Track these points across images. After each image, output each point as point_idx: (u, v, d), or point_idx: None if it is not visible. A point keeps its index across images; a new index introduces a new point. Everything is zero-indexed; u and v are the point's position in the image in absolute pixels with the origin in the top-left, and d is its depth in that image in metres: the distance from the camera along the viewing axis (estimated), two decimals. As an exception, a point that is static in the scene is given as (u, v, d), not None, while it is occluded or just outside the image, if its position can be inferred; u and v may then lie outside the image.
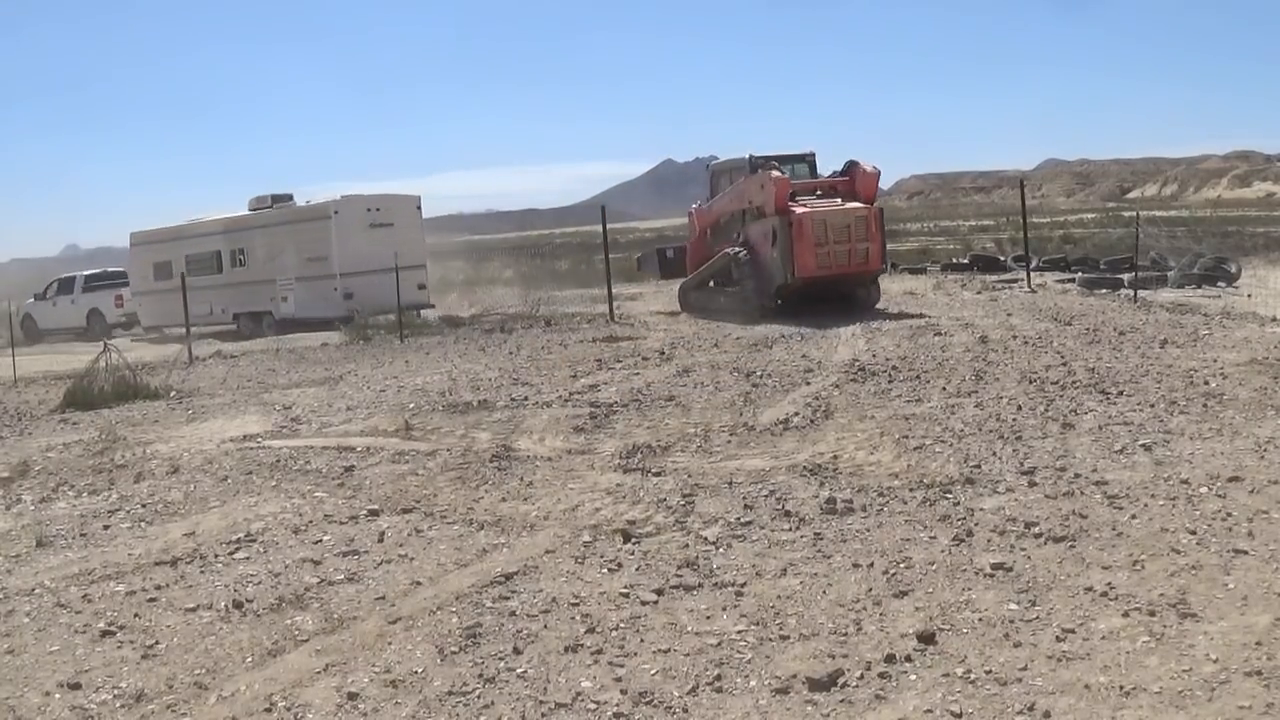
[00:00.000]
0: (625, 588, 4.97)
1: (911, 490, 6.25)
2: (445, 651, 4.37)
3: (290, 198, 25.11)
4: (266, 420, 10.24)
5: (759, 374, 10.83)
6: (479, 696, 3.97)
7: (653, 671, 4.08)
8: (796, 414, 8.63)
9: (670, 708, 3.80)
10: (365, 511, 6.55)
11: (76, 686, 4.27)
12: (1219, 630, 4.06)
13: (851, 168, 17.80)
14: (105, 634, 4.81)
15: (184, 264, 24.72)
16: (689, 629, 4.46)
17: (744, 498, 6.32)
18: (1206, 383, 8.76)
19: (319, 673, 4.25)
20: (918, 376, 10.08)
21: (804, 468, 6.93)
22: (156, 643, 4.67)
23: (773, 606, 4.63)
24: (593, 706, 3.84)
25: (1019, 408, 8.30)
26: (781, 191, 16.86)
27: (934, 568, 4.96)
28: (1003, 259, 26.53)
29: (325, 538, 6.08)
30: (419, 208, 24.64)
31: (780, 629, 4.39)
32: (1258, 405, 7.84)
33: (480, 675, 4.14)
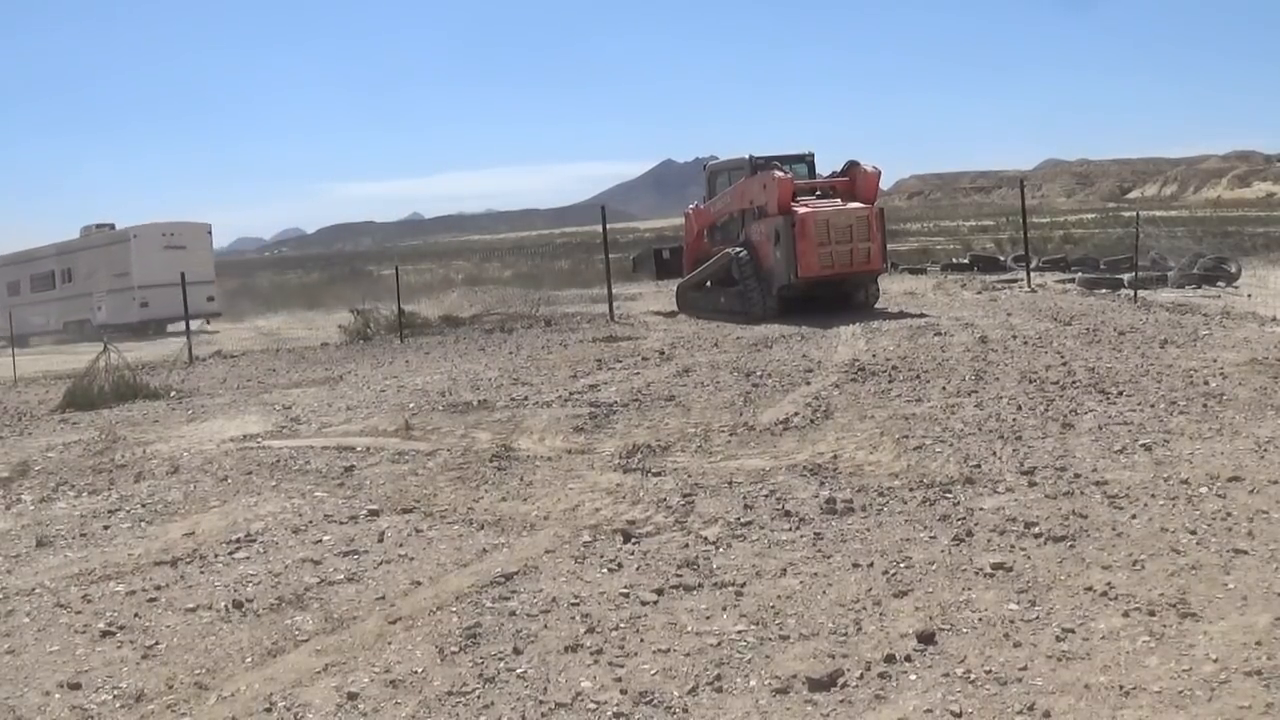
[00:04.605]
0: (625, 588, 4.97)
1: (911, 490, 6.25)
2: (445, 651, 4.37)
3: (112, 226, 31.17)
4: (266, 420, 10.25)
5: (759, 374, 10.83)
6: (479, 696, 3.97)
7: (653, 671, 4.08)
8: (796, 414, 8.63)
9: (670, 708, 3.79)
10: (365, 511, 6.55)
11: (76, 686, 4.27)
12: (1219, 630, 4.06)
13: (852, 168, 17.81)
14: (105, 634, 4.81)
15: (29, 283, 31.94)
16: (689, 629, 4.45)
17: (744, 498, 6.31)
18: (1206, 383, 8.76)
19: (319, 673, 4.24)
20: (918, 376, 10.08)
21: (804, 468, 6.93)
22: (156, 643, 4.67)
23: (773, 606, 4.63)
24: (593, 706, 3.84)
25: (1019, 408, 8.29)
26: (785, 191, 16.87)
27: (934, 568, 4.96)
28: (1003, 259, 26.56)
29: (325, 538, 6.08)
30: (209, 234, 31.23)
31: (780, 629, 4.39)
32: (1258, 405, 7.84)
33: (480, 675, 4.14)
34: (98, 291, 29.81)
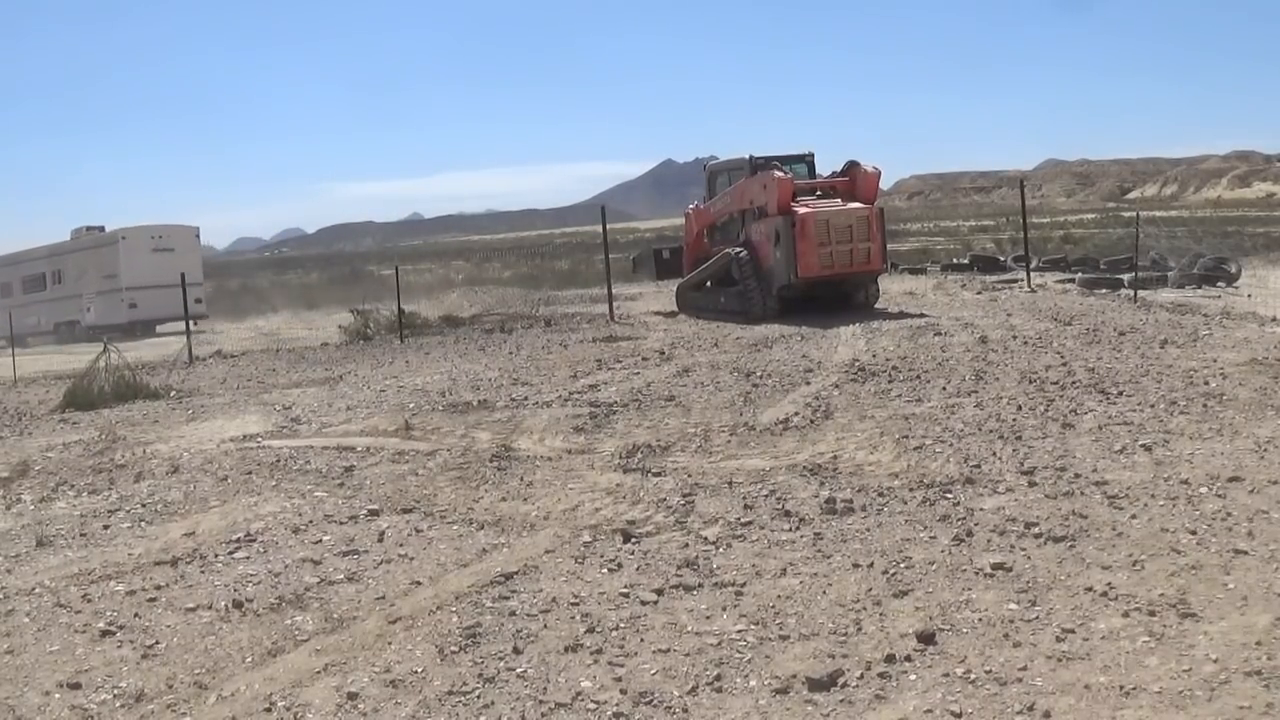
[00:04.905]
0: (625, 588, 4.97)
1: (911, 490, 6.25)
2: (445, 651, 4.37)
3: (102, 228, 31.76)
4: (266, 420, 10.24)
5: (759, 374, 10.83)
6: (479, 696, 3.97)
7: (653, 671, 4.08)
8: (796, 414, 8.63)
9: (670, 708, 3.79)
10: (365, 511, 6.55)
11: (76, 686, 4.27)
12: (1219, 630, 4.06)
13: (852, 168, 17.80)
14: (105, 634, 4.81)
15: (21, 284, 32.78)
16: (689, 629, 4.46)
17: (744, 498, 6.31)
18: (1206, 383, 8.76)
19: (319, 673, 4.25)
20: (918, 376, 10.08)
21: (804, 468, 6.93)
22: (156, 643, 4.67)
23: (773, 606, 4.63)
24: (593, 706, 3.84)
25: (1019, 408, 8.29)
26: (785, 191, 16.86)
27: (934, 568, 4.96)
28: (1002, 259, 26.56)
29: (325, 538, 6.08)
30: (198, 236, 31.53)
31: (780, 629, 4.39)
32: (1258, 405, 7.84)
33: (480, 675, 4.14)
34: (87, 293, 30.43)
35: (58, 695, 4.21)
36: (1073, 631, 4.15)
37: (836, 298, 16.92)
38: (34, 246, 33.86)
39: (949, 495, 6.08)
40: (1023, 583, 4.69)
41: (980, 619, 4.34)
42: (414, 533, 6.08)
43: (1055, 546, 5.11)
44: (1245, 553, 4.83)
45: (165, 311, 28.77)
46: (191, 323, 28.93)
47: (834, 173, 18.17)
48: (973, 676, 3.84)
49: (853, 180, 17.64)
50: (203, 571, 5.63)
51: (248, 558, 5.81)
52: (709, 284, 19.02)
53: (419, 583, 5.23)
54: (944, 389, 9.34)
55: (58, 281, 31.86)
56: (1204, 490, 5.80)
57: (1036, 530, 5.33)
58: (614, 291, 20.68)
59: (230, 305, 34.00)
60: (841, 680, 3.89)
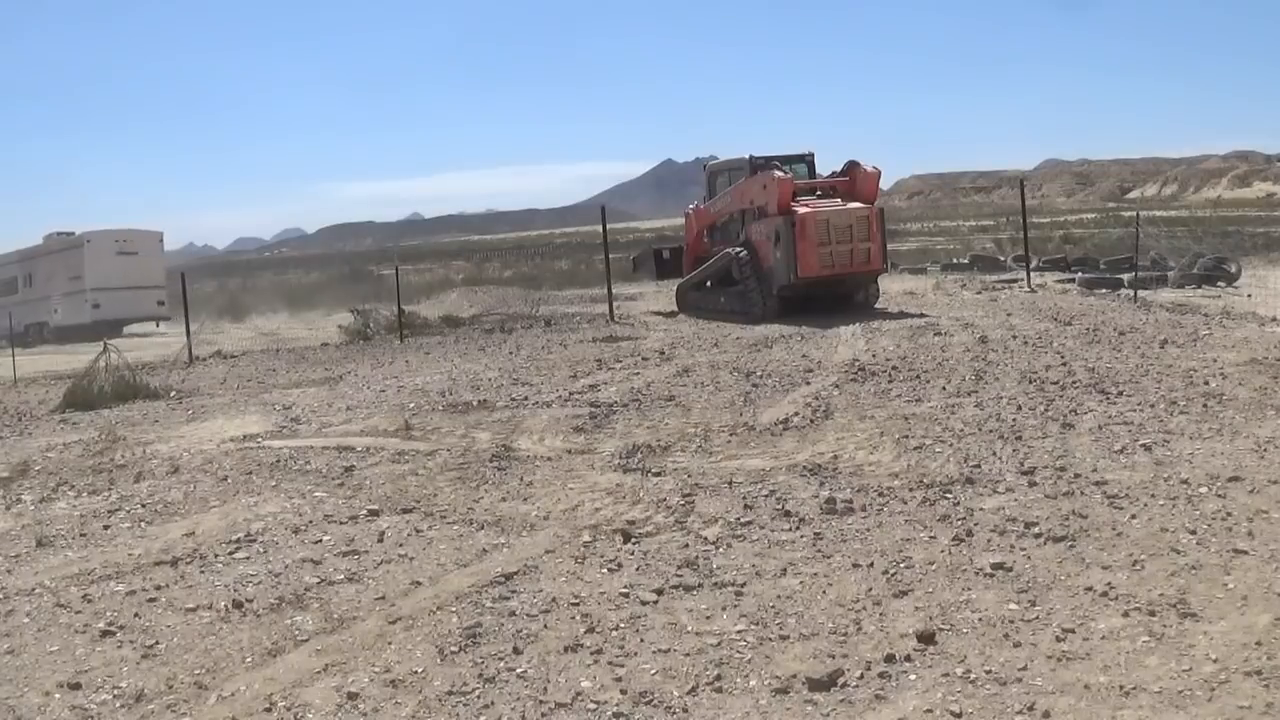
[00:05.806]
0: (625, 588, 4.97)
1: (911, 490, 6.25)
2: (445, 651, 4.37)
3: (73, 234, 32.39)
4: (266, 420, 10.24)
5: (759, 374, 10.83)
6: (479, 696, 3.98)
7: (653, 671, 4.08)
8: (796, 414, 8.63)
9: (670, 708, 3.80)
10: (365, 511, 6.55)
11: (76, 686, 4.27)
12: (1219, 630, 4.06)
13: (852, 168, 17.81)
14: (105, 634, 4.81)
15: None
16: (689, 629, 4.46)
17: (744, 498, 6.31)
18: (1206, 383, 8.76)
19: (319, 673, 4.25)
20: (918, 376, 10.08)
21: (804, 468, 6.93)
22: (156, 643, 4.67)
23: (773, 606, 4.63)
24: (593, 706, 3.84)
25: (1019, 408, 8.29)
26: (785, 191, 16.87)
27: (934, 568, 4.96)
28: (1002, 259, 26.58)
29: (325, 538, 6.08)
30: (160, 241, 32.72)
31: (780, 629, 4.39)
32: (1258, 405, 7.84)
33: (480, 675, 4.14)
34: (55, 295, 31.20)
35: (58, 695, 4.21)
36: (1073, 631, 4.15)
37: (836, 298, 16.93)
38: (7, 250, 34.85)
39: (949, 495, 6.08)
40: (1023, 583, 4.69)
41: (980, 619, 4.34)
42: (414, 533, 6.08)
43: (1055, 546, 5.11)
44: (1245, 553, 4.83)
45: (130, 312, 29.65)
46: (154, 324, 29.40)
47: (834, 173, 18.18)
48: (973, 676, 3.84)
49: (853, 180, 17.65)
50: (203, 571, 5.63)
51: (248, 558, 5.81)
52: (709, 284, 19.03)
53: (419, 583, 5.23)
54: (944, 389, 9.34)
55: (29, 284, 32.62)
56: (1204, 490, 5.80)
57: (1036, 530, 5.34)
58: (614, 291, 20.68)
59: (227, 303, 34.17)
60: (841, 680, 3.89)
